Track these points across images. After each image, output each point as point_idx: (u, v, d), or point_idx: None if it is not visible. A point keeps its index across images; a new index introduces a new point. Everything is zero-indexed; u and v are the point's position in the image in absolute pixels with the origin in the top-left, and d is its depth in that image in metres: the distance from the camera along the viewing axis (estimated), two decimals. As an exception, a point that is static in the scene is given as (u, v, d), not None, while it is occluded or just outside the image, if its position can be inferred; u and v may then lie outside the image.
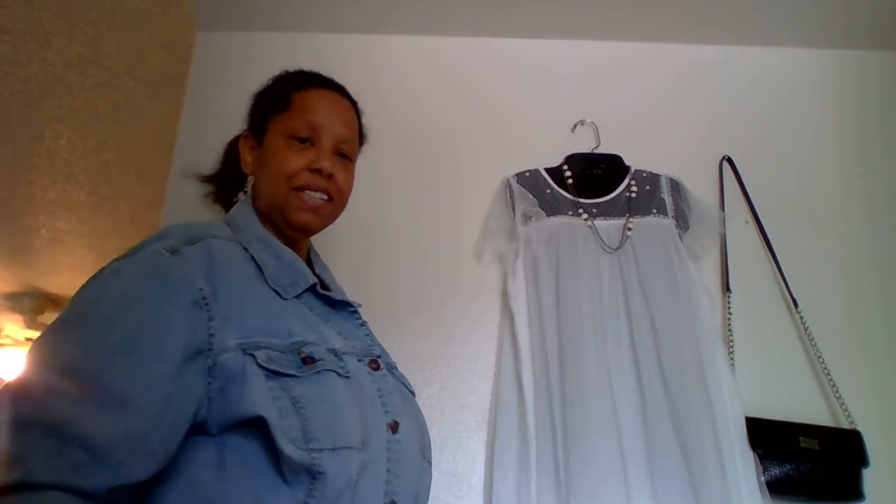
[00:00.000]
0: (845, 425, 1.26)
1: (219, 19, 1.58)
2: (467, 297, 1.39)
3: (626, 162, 1.46)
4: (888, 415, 1.28)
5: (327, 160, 0.88)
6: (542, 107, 1.56)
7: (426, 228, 1.45)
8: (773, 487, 1.18)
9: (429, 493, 0.83)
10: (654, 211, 1.39)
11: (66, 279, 2.92)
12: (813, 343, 1.32)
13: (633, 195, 1.41)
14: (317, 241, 1.01)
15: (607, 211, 1.39)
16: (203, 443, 0.64)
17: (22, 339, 3.34)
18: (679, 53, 1.61)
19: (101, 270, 0.69)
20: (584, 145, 1.49)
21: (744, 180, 1.48)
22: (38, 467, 0.53)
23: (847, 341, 1.34)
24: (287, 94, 0.92)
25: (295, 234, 0.89)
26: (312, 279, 0.82)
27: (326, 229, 0.94)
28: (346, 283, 0.98)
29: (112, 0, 1.40)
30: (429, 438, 0.85)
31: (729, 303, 1.37)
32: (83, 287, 0.68)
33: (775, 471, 1.20)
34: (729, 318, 1.35)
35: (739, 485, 1.15)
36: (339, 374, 0.72)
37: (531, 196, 1.40)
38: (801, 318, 1.35)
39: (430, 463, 0.84)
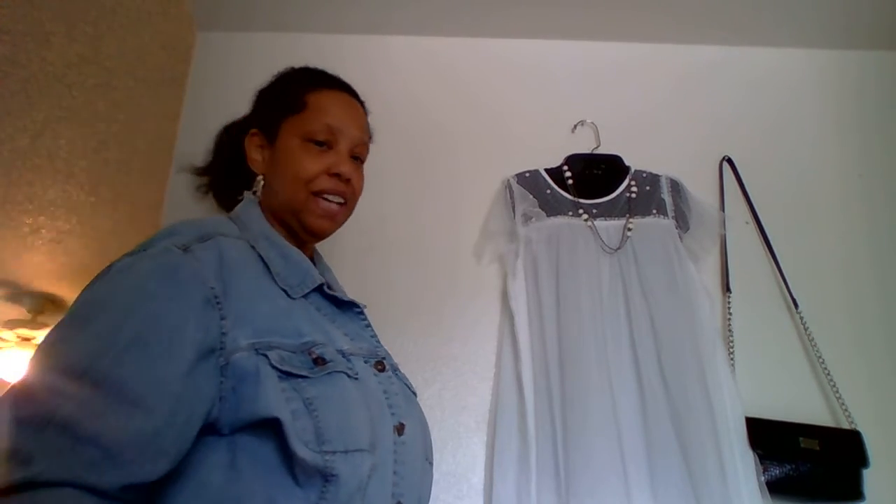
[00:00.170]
0: (845, 425, 1.26)
1: (219, 19, 1.58)
2: (467, 297, 1.39)
3: (626, 162, 1.46)
4: (888, 415, 1.28)
5: (346, 165, 0.88)
6: (542, 107, 1.56)
7: (426, 228, 1.45)
8: (773, 487, 1.18)
9: (430, 494, 0.83)
10: (654, 211, 1.39)
11: (67, 279, 2.92)
12: (813, 343, 1.32)
13: (633, 195, 1.41)
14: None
15: (607, 211, 1.39)
16: (214, 443, 0.64)
17: (22, 339, 3.33)
18: (679, 53, 1.61)
19: (111, 267, 0.69)
20: (584, 146, 1.49)
21: (744, 181, 1.48)
22: (51, 465, 0.53)
23: (847, 341, 1.34)
24: (300, 94, 0.91)
25: (309, 238, 0.90)
26: (320, 279, 0.82)
27: (328, 230, 0.94)
28: (347, 284, 0.98)
29: (112, 0, 1.40)
30: (430, 440, 0.85)
31: (729, 303, 1.37)
32: (92, 283, 0.68)
33: (775, 471, 1.20)
34: (729, 319, 1.35)
35: (739, 485, 1.15)
36: (348, 376, 0.72)
37: (531, 196, 1.40)
38: (801, 318, 1.35)
39: (431, 465, 0.84)
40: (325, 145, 0.88)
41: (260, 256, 0.78)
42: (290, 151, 0.87)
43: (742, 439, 1.20)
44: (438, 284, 1.40)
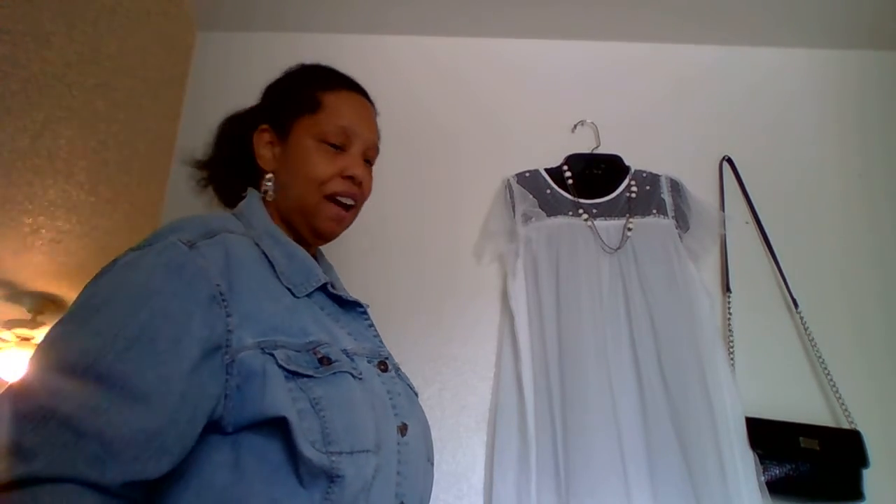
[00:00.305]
0: (845, 425, 1.26)
1: (219, 19, 1.58)
2: (467, 297, 1.39)
3: (626, 162, 1.46)
4: (888, 415, 1.28)
5: (359, 168, 0.88)
6: (543, 107, 1.56)
7: (426, 228, 1.45)
8: (773, 487, 1.18)
9: (431, 494, 0.83)
10: (654, 211, 1.39)
11: (67, 279, 2.92)
12: (813, 343, 1.32)
13: (633, 195, 1.41)
14: (317, 241, 1.01)
15: (607, 211, 1.39)
16: (218, 442, 0.63)
17: (22, 339, 3.33)
18: (679, 53, 1.61)
19: (115, 261, 0.68)
20: (584, 145, 1.49)
21: (744, 180, 1.48)
22: (53, 460, 0.53)
23: (847, 341, 1.34)
24: (315, 93, 0.89)
25: (315, 240, 0.90)
26: (324, 278, 0.81)
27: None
28: (347, 284, 0.98)
29: (112, 0, 1.40)
30: (431, 440, 0.85)
31: (729, 303, 1.37)
32: (97, 278, 0.67)
33: (775, 471, 1.20)
34: (729, 318, 1.35)
35: (739, 485, 1.15)
36: (353, 376, 0.72)
37: (531, 196, 1.40)
38: (801, 318, 1.35)
39: (432, 465, 0.84)
40: (339, 147, 0.88)
41: (264, 254, 0.77)
42: (303, 151, 0.86)
43: (742, 439, 1.20)
44: (438, 284, 1.40)
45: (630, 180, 1.43)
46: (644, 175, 1.44)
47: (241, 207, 0.87)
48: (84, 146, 1.63)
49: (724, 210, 1.45)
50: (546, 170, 1.45)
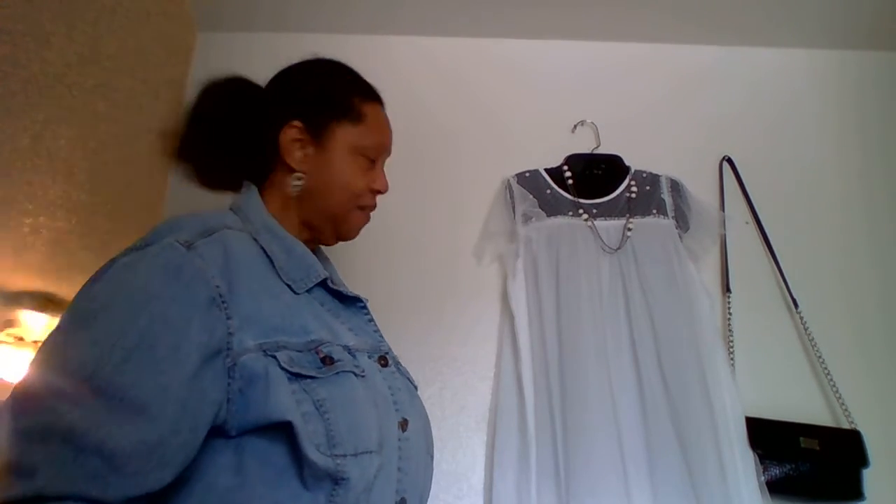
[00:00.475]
0: (845, 425, 1.26)
1: (219, 20, 1.58)
2: (467, 298, 1.39)
3: (626, 162, 1.46)
4: (888, 415, 1.29)
5: (385, 182, 0.91)
6: (543, 107, 1.56)
7: (426, 228, 1.45)
8: (773, 487, 1.18)
9: (430, 488, 0.83)
10: (654, 211, 1.39)
11: (67, 279, 2.92)
12: (813, 343, 1.32)
13: (633, 195, 1.41)
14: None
15: (607, 211, 1.39)
16: (221, 446, 0.63)
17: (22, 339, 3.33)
18: (679, 53, 1.61)
19: (112, 263, 0.67)
20: (584, 145, 1.49)
21: (744, 181, 1.48)
22: (54, 478, 0.52)
23: (847, 341, 1.34)
24: (355, 102, 0.88)
25: (335, 241, 0.91)
26: (324, 273, 0.81)
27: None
28: (348, 283, 0.98)
29: (112, 0, 1.40)
30: (431, 433, 0.85)
31: (729, 303, 1.37)
32: (93, 281, 0.66)
33: (775, 471, 1.20)
34: (729, 318, 1.35)
35: (739, 485, 1.15)
36: (356, 375, 0.72)
37: (531, 196, 1.40)
38: (801, 318, 1.35)
39: (432, 458, 0.84)
40: (372, 161, 0.90)
41: (263, 250, 0.77)
42: (341, 160, 0.86)
43: (742, 439, 1.20)
44: (438, 284, 1.40)
45: (630, 180, 1.43)
46: (644, 175, 1.44)
47: (239, 202, 0.85)
48: (84, 146, 1.62)
49: (724, 210, 1.45)
50: (546, 170, 1.45)
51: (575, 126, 1.52)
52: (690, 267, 1.34)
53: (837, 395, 1.28)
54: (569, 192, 1.41)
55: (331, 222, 0.88)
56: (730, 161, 1.50)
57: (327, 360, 0.69)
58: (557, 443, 1.17)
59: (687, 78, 1.59)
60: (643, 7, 1.51)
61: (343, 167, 0.86)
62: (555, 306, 1.28)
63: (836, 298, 1.39)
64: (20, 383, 0.58)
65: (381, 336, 0.86)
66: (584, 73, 1.60)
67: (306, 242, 0.85)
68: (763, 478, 1.18)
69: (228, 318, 0.65)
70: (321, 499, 0.63)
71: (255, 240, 0.77)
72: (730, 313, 1.36)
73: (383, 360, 0.80)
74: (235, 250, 0.71)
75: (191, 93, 1.53)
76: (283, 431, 0.63)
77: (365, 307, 0.86)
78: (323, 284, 0.81)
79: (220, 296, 0.65)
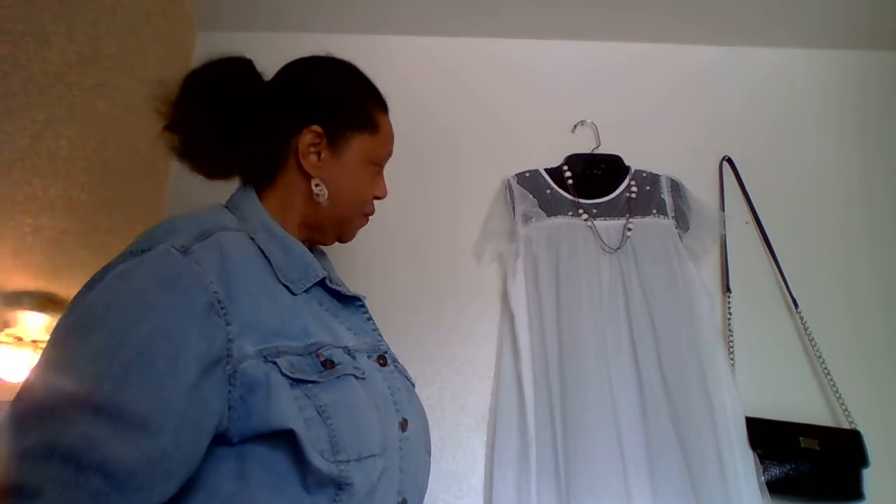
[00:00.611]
0: (845, 425, 1.26)
1: (219, 19, 1.58)
2: (467, 297, 1.39)
3: (626, 162, 1.46)
4: (888, 415, 1.29)
5: (386, 189, 0.93)
6: (543, 107, 1.56)
7: (426, 228, 1.45)
8: (773, 487, 1.18)
9: (427, 485, 0.83)
10: (654, 211, 1.39)
11: (66, 279, 2.92)
12: (813, 343, 1.32)
13: (633, 195, 1.41)
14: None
15: (607, 211, 1.39)
16: (223, 453, 0.62)
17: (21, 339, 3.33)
18: (679, 53, 1.61)
19: (107, 270, 0.65)
20: (584, 145, 1.49)
21: (744, 180, 1.48)
22: (57, 499, 0.51)
23: (847, 341, 1.34)
24: (372, 111, 0.89)
25: (334, 242, 0.92)
26: (322, 273, 0.80)
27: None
28: (347, 284, 0.98)
29: (112, 0, 1.40)
30: (429, 430, 0.85)
31: (729, 303, 1.37)
32: (88, 290, 0.64)
33: (775, 471, 1.20)
34: (729, 318, 1.35)
35: (739, 485, 1.15)
36: (356, 378, 0.71)
37: (531, 196, 1.40)
38: (801, 318, 1.35)
39: (430, 455, 0.84)
40: (380, 169, 0.92)
41: (260, 249, 0.76)
42: (355, 168, 0.87)
43: (742, 439, 1.20)
44: (438, 284, 1.40)
45: (630, 180, 1.43)
46: (644, 175, 1.44)
47: (236, 201, 0.84)
48: (84, 146, 1.62)
49: (724, 210, 1.45)
50: (546, 170, 1.45)
51: (575, 126, 1.52)
52: (690, 267, 1.34)
53: (837, 395, 1.28)
54: (569, 192, 1.41)
55: (336, 227, 0.89)
56: (730, 161, 1.50)
57: (328, 364, 0.69)
58: (557, 443, 1.17)
59: (687, 78, 1.59)
60: (643, 7, 1.51)
61: (356, 175, 0.87)
62: (555, 306, 1.28)
63: (836, 298, 1.39)
64: (18, 401, 0.56)
65: (380, 335, 0.86)
66: (584, 73, 1.60)
67: (304, 242, 0.84)
68: (763, 478, 1.18)
69: (228, 325, 0.64)
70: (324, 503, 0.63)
71: (252, 239, 0.76)
72: (730, 313, 1.36)
73: (382, 360, 0.80)
74: (232, 253, 0.70)
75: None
76: (286, 438, 0.63)
77: (363, 306, 0.86)
78: (321, 284, 0.80)
79: (219, 301, 0.64)
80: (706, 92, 1.58)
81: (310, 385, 0.66)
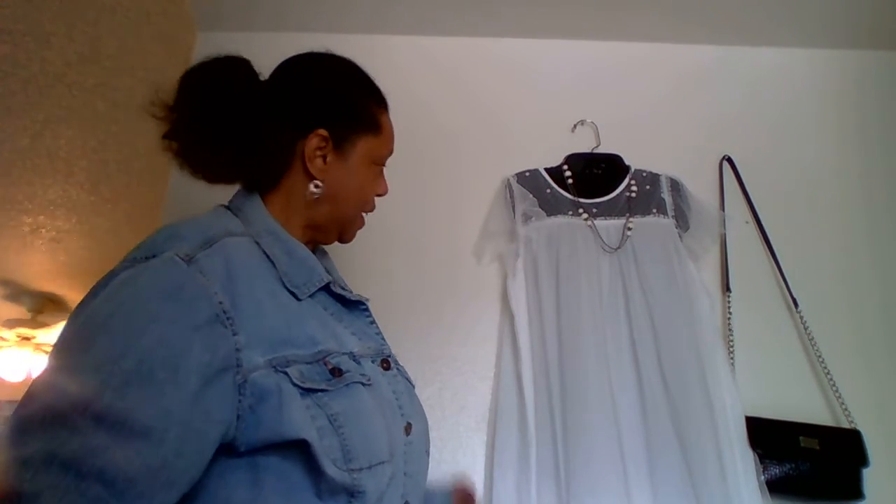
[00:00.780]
0: (845, 425, 1.26)
1: (219, 19, 1.58)
2: (467, 297, 1.39)
3: (626, 162, 1.46)
4: (888, 415, 1.28)
5: (387, 186, 0.93)
6: (543, 107, 1.56)
7: (426, 228, 1.45)
8: (773, 487, 1.18)
9: (426, 483, 0.84)
10: (654, 211, 1.39)
11: (66, 279, 2.92)
12: (813, 343, 1.32)
13: (633, 195, 1.41)
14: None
15: (607, 211, 1.39)
16: (234, 463, 0.62)
17: (22, 338, 3.34)
18: (679, 53, 1.61)
19: (111, 278, 0.65)
20: (584, 145, 1.49)
21: (744, 180, 1.48)
22: None
23: (847, 341, 1.34)
24: (374, 112, 0.89)
25: (335, 242, 0.92)
26: (327, 277, 0.80)
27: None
28: (347, 283, 0.98)
29: (112, 0, 1.40)
30: (428, 430, 0.86)
31: (729, 303, 1.37)
32: (93, 297, 0.64)
33: (775, 470, 1.20)
34: (729, 318, 1.35)
35: (739, 484, 1.15)
36: (363, 385, 0.72)
37: (531, 196, 1.40)
38: (801, 318, 1.35)
39: (429, 455, 0.85)
40: (381, 167, 0.92)
41: (265, 255, 0.75)
42: (359, 170, 0.87)
43: (742, 439, 1.20)
44: (438, 284, 1.40)
45: (630, 180, 1.43)
46: (644, 174, 1.44)
47: (240, 204, 0.83)
48: (84, 146, 1.63)
49: (724, 210, 1.45)
50: (546, 169, 1.45)
51: (575, 126, 1.52)
52: (690, 266, 1.34)
53: (837, 395, 1.28)
54: (569, 192, 1.41)
55: (338, 227, 0.89)
56: (730, 160, 1.50)
57: (336, 372, 0.69)
58: (557, 443, 1.17)
59: (687, 78, 1.59)
60: (643, 7, 1.51)
61: (360, 176, 0.87)
62: (555, 306, 1.28)
63: (836, 298, 1.39)
64: (22, 408, 0.56)
65: (383, 338, 0.86)
66: (584, 73, 1.60)
67: (307, 243, 0.84)
68: (763, 477, 1.18)
69: (235, 335, 0.64)
70: None
71: (257, 244, 0.76)
72: (730, 313, 1.36)
73: (385, 364, 0.80)
74: (238, 260, 0.69)
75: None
76: (297, 448, 0.63)
77: (367, 309, 0.86)
78: (326, 288, 0.80)
79: (224, 311, 0.64)
80: (706, 92, 1.58)
81: (320, 394, 0.66)
